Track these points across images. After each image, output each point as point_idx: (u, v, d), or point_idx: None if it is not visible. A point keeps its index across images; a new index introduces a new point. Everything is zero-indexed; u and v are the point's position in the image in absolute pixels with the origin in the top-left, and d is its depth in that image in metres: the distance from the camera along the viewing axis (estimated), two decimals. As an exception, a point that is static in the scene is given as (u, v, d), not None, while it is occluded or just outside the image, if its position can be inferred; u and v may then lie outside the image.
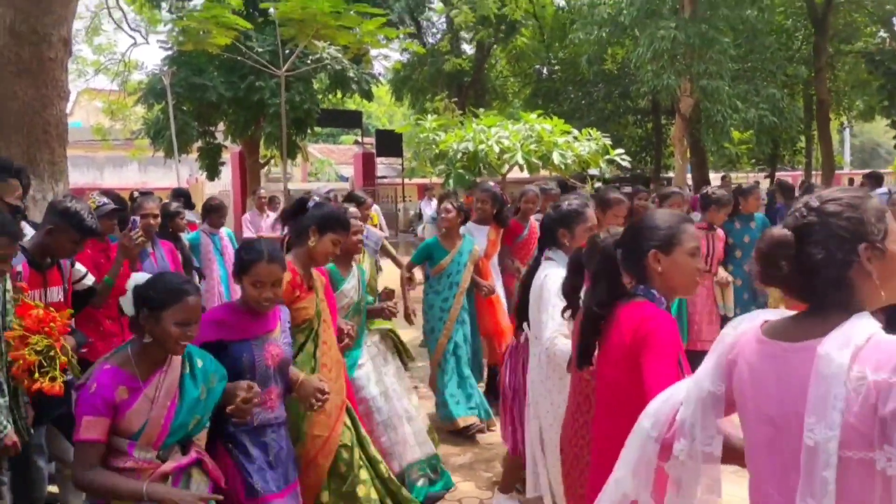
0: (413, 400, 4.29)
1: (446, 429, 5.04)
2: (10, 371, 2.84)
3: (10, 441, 2.76)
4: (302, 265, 3.12)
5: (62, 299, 3.37)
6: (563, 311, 2.80)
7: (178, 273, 2.43)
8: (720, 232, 5.47)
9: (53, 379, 2.94)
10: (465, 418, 5.08)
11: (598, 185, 7.22)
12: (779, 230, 1.45)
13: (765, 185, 19.16)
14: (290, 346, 2.85)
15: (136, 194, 5.14)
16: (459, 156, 7.21)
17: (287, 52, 11.90)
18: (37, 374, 2.91)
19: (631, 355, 2.03)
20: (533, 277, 3.30)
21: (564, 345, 2.91)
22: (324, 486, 3.05)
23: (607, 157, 7.46)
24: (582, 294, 2.60)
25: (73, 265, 3.63)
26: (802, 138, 23.10)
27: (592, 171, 7.94)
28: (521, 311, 3.45)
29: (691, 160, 21.34)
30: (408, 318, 5.12)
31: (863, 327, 1.31)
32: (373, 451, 3.29)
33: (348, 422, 3.18)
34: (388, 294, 4.32)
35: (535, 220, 5.61)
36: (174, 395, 2.31)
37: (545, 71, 24.43)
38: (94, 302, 3.88)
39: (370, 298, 4.21)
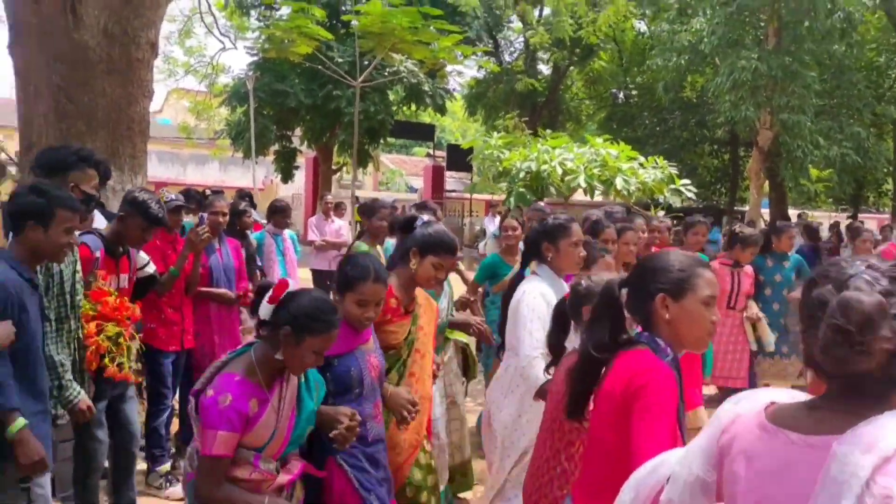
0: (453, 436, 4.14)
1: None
2: (79, 347, 3.04)
3: (84, 405, 2.94)
4: (403, 287, 2.97)
5: (127, 286, 3.57)
6: (548, 365, 2.66)
7: (328, 300, 2.37)
8: (748, 269, 5.37)
9: (120, 365, 3.15)
10: None
11: (660, 213, 7.12)
12: (869, 297, 1.07)
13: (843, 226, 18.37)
14: (383, 360, 2.76)
15: (207, 192, 5.39)
16: (522, 174, 7.25)
17: (365, 63, 12.24)
18: (107, 360, 3.12)
19: (621, 410, 1.80)
20: (509, 291, 3.26)
21: (539, 371, 2.83)
22: None
23: (672, 186, 7.36)
24: (570, 343, 2.54)
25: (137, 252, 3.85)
26: (889, 180, 22.08)
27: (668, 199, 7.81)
28: (502, 325, 3.32)
29: (770, 195, 20.70)
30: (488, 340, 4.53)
31: None
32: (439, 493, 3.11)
33: (423, 459, 3.00)
34: (464, 304, 4.33)
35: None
36: (293, 406, 2.28)
37: (622, 95, 24.21)
38: (159, 290, 4.10)
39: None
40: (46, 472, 2.57)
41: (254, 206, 7.40)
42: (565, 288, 3.07)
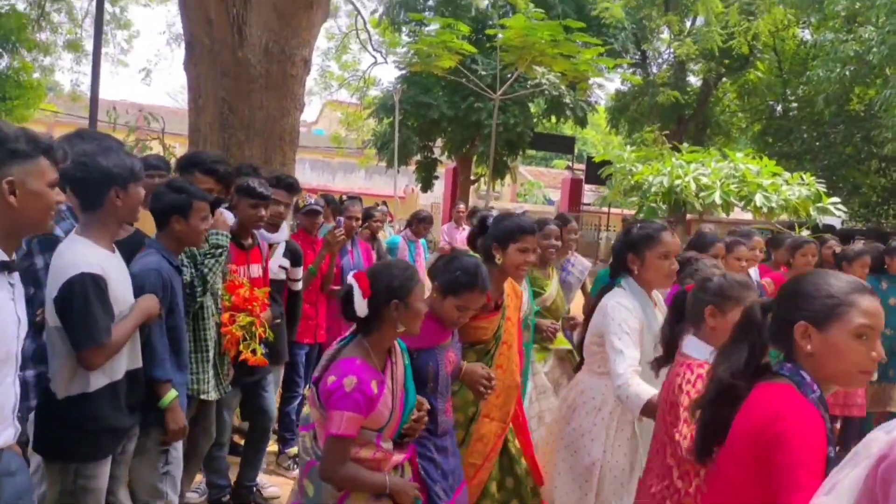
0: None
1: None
2: (220, 336, 3.40)
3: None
4: (494, 284, 2.96)
5: (261, 276, 3.88)
6: (660, 359, 2.51)
7: (396, 265, 2.52)
8: None
9: (254, 352, 3.49)
10: None
11: (805, 233, 6.72)
12: None
13: None
14: (459, 352, 2.84)
15: (344, 197, 5.78)
16: (654, 189, 7.12)
17: (507, 76, 12.47)
18: (241, 347, 3.48)
19: (754, 452, 1.62)
20: (595, 300, 3.05)
21: (641, 388, 2.60)
22: None
23: (819, 204, 6.92)
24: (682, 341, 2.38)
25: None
26: None
27: (830, 220, 7.28)
28: (580, 340, 3.17)
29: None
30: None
31: None
32: (529, 484, 3.10)
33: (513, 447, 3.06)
34: (572, 323, 4.30)
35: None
36: (402, 386, 2.38)
37: (779, 108, 22.80)
38: (302, 284, 4.49)
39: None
40: (184, 437, 2.93)
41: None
42: (655, 302, 2.95)
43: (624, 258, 2.96)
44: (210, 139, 5.33)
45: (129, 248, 2.84)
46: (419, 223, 7.26)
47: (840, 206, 7.15)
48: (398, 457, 2.38)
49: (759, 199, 6.62)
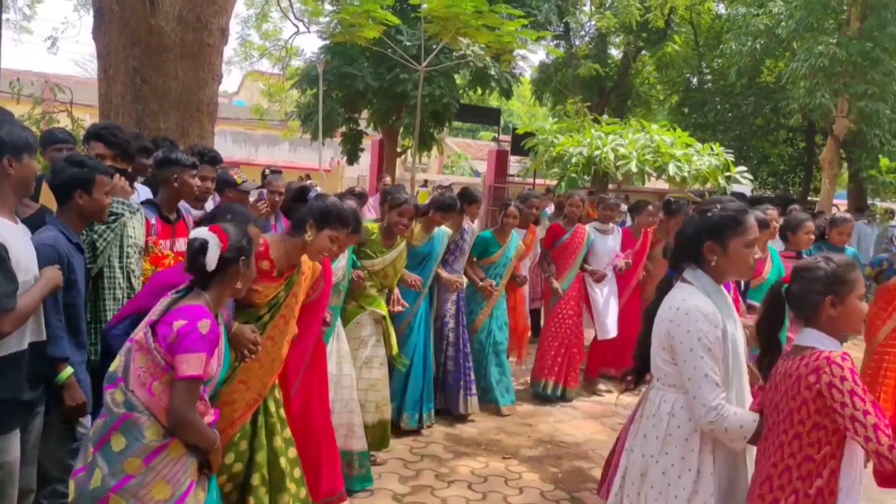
0: (369, 395, 4.36)
1: (490, 412, 5.65)
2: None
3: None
4: (287, 254, 2.98)
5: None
6: (761, 358, 2.28)
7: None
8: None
9: None
10: (509, 407, 5.73)
11: (714, 201, 7.03)
12: None
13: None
14: (233, 310, 2.84)
15: (267, 172, 5.70)
16: (574, 160, 7.31)
17: (433, 47, 12.41)
18: None
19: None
20: (656, 302, 2.52)
21: (740, 416, 2.25)
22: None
23: (728, 173, 7.27)
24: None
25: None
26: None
27: (739, 188, 7.63)
28: (639, 347, 2.63)
29: (848, 186, 19.87)
30: (485, 290, 5.58)
31: None
32: (278, 442, 3.04)
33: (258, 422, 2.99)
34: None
35: (581, 226, 6.12)
36: (223, 342, 2.38)
37: (695, 80, 23.58)
38: None
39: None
40: (87, 414, 2.90)
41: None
42: (728, 299, 2.46)
43: (698, 246, 2.42)
44: (122, 111, 5.15)
45: (35, 226, 2.77)
46: (354, 200, 7.23)
47: (747, 175, 7.53)
48: (210, 416, 2.36)
49: (672, 168, 6.90)
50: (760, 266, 4.65)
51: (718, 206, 2.47)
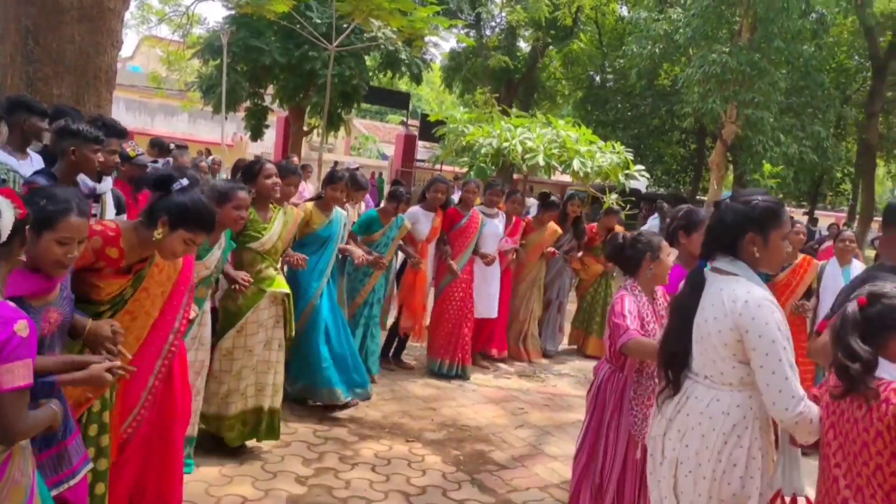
0: (268, 378, 4.28)
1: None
2: None
3: None
4: (137, 246, 2.65)
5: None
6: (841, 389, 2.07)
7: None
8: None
9: None
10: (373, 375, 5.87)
11: (614, 196, 7.40)
12: None
13: (804, 222, 19.03)
14: (72, 306, 2.42)
15: (172, 146, 5.52)
16: (484, 150, 7.46)
17: (344, 26, 12.23)
18: None
19: None
20: (695, 293, 2.44)
21: (814, 410, 2.20)
22: None
23: (627, 171, 7.63)
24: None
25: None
26: (848, 181, 22.80)
27: (635, 184, 8.02)
28: (673, 341, 2.51)
29: (733, 187, 21.22)
30: (375, 264, 5.46)
31: None
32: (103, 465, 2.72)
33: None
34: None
35: (476, 210, 6.38)
36: None
37: (598, 78, 24.43)
38: None
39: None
40: None
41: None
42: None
43: (739, 237, 2.36)
44: (12, 72, 4.81)
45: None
46: (238, 173, 7.14)
47: (644, 173, 7.93)
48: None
49: (576, 164, 7.17)
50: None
51: (759, 197, 2.41)
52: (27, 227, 1.96)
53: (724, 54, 14.33)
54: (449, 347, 6.27)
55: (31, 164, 3.82)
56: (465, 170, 8.66)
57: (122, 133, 3.95)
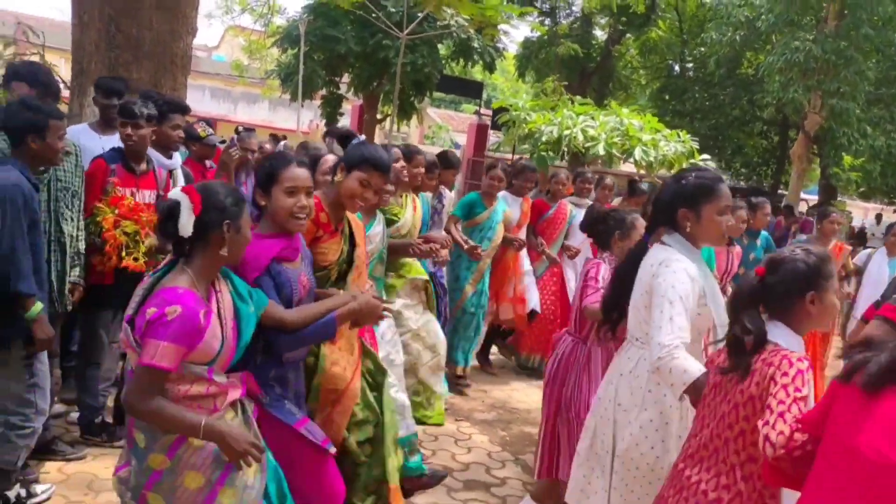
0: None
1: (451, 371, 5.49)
2: (63, 254, 3.37)
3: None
4: (331, 205, 2.83)
5: (154, 202, 3.86)
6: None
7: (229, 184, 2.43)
8: (738, 248, 5.24)
9: (136, 259, 3.56)
10: (465, 368, 5.69)
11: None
12: None
13: (889, 218, 18.03)
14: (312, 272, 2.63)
15: (240, 129, 5.77)
16: (544, 138, 7.45)
17: (419, 15, 12.37)
18: (124, 254, 3.53)
19: None
20: (634, 264, 2.61)
21: (688, 363, 2.22)
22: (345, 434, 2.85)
23: (692, 160, 7.46)
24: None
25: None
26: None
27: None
28: (610, 305, 2.77)
29: (820, 182, 20.29)
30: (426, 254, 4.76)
31: None
32: (388, 396, 3.06)
33: (369, 367, 2.98)
34: (427, 238, 4.35)
35: (563, 202, 6.15)
36: (233, 314, 2.20)
37: (677, 67, 23.74)
38: None
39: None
40: (52, 348, 3.01)
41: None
42: (705, 264, 2.53)
43: (673, 212, 2.50)
44: (95, 58, 5.15)
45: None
46: (299, 152, 7.38)
47: (710, 163, 7.73)
48: (235, 392, 2.20)
49: (638, 152, 7.07)
50: None
51: (693, 174, 2.56)
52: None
53: (807, 42, 13.73)
54: (541, 341, 6.00)
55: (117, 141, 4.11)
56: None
57: (184, 109, 4.18)
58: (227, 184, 2.30)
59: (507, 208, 5.65)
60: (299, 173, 2.43)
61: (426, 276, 4.29)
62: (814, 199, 22.49)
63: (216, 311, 2.13)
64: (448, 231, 5.21)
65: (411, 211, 4.28)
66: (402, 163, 4.18)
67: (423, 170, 4.32)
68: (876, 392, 1.53)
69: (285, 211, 2.40)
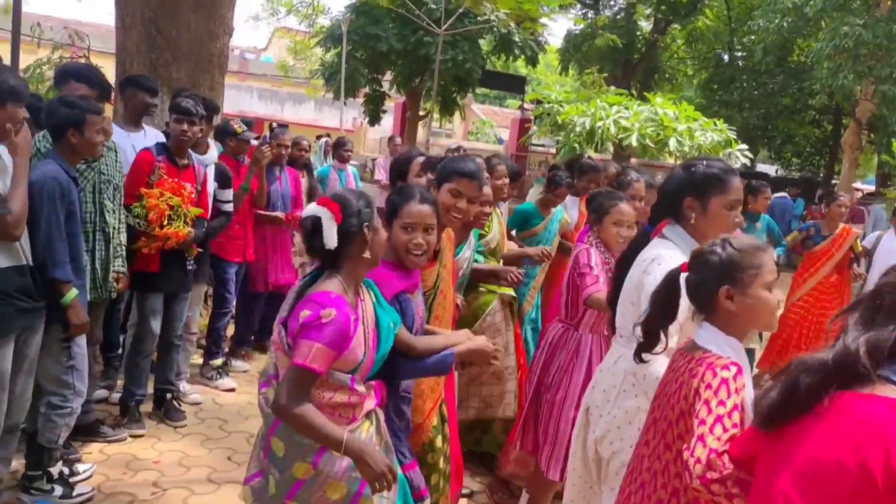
0: (510, 385, 3.94)
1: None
2: (107, 244, 3.56)
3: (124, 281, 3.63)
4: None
5: (195, 196, 4.10)
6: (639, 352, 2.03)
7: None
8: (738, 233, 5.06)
9: (178, 228, 3.81)
10: None
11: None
12: None
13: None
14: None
15: (274, 125, 5.93)
16: (577, 130, 7.43)
17: (459, 11, 12.45)
18: (166, 223, 3.77)
19: (862, 493, 1.18)
20: (633, 255, 2.45)
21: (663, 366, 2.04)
22: None
23: (729, 150, 7.35)
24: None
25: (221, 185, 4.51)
26: None
27: (765, 168, 7.60)
28: (615, 299, 2.56)
29: (877, 171, 19.64)
30: (540, 256, 4.59)
31: None
32: (446, 430, 2.94)
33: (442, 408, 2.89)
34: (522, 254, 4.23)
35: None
36: (374, 324, 2.18)
37: (726, 56, 23.23)
38: (234, 205, 4.73)
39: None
40: (85, 333, 3.19)
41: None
42: None
43: (679, 201, 2.33)
44: (137, 59, 5.38)
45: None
46: (337, 148, 7.55)
47: (747, 153, 7.59)
48: (371, 402, 2.19)
49: (672, 142, 6.99)
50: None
51: (704, 162, 2.37)
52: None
53: (857, 27, 13.28)
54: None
55: (145, 137, 4.31)
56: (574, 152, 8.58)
57: (216, 109, 4.36)
58: (353, 189, 2.37)
59: (565, 212, 5.28)
60: (419, 209, 2.41)
61: (514, 294, 4.00)
62: (870, 188, 21.76)
63: (361, 318, 2.12)
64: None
65: (497, 224, 4.09)
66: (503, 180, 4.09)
67: (506, 180, 4.15)
68: (776, 430, 1.36)
69: (401, 246, 2.42)
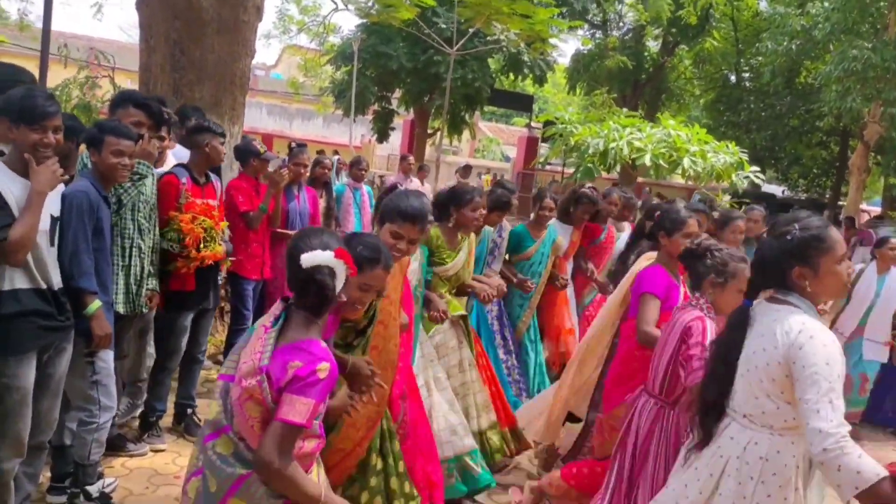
0: (468, 399, 4.04)
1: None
2: (141, 260, 3.63)
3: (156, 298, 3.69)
4: None
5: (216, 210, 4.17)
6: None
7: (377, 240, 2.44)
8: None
9: (214, 250, 3.90)
10: None
11: (725, 198, 7.23)
12: None
13: None
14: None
15: (293, 145, 6.00)
16: (591, 150, 7.51)
17: (470, 31, 12.59)
18: (202, 245, 3.85)
19: None
20: (737, 335, 2.24)
21: (860, 461, 1.87)
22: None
23: (741, 172, 7.42)
24: None
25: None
26: None
27: (771, 188, 7.69)
28: (710, 390, 2.29)
29: (884, 193, 19.67)
30: (522, 286, 4.86)
31: None
32: (396, 447, 2.94)
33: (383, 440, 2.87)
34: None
35: (611, 225, 5.63)
36: None
37: (733, 77, 23.38)
38: (249, 224, 4.79)
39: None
40: (110, 346, 3.20)
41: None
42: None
43: (785, 272, 2.16)
44: (160, 79, 5.47)
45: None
46: (352, 167, 7.65)
47: (759, 175, 7.66)
48: (320, 443, 2.11)
49: (686, 163, 7.06)
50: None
51: (796, 225, 2.17)
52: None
53: (865, 50, 13.39)
54: None
55: (174, 157, 4.38)
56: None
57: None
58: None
59: (557, 237, 5.17)
60: (381, 276, 2.37)
61: (464, 312, 4.07)
62: (876, 210, 21.79)
63: None
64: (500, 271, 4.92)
65: (464, 256, 4.09)
66: (480, 212, 4.06)
67: (483, 211, 4.12)
68: None
69: (352, 300, 2.32)
